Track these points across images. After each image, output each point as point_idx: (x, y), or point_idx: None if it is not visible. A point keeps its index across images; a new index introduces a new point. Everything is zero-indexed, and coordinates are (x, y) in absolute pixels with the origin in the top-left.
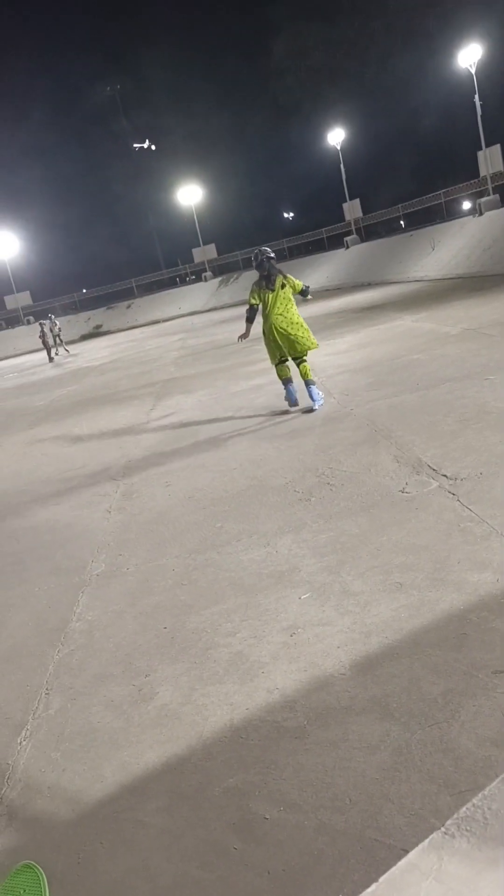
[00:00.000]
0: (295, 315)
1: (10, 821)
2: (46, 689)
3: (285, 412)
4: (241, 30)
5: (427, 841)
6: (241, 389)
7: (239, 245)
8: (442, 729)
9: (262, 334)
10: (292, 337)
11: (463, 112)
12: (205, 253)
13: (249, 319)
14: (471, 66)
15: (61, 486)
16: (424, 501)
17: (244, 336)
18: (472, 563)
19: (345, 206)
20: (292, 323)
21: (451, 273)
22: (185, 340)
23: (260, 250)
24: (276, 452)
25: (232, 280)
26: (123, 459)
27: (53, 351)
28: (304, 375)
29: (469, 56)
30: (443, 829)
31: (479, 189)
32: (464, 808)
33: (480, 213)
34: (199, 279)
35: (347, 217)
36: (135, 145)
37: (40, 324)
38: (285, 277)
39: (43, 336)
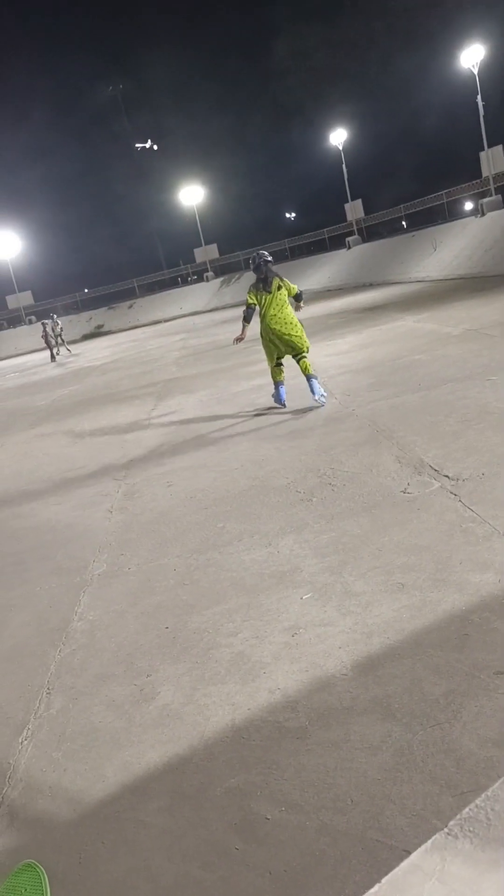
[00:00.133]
0: (290, 315)
1: (11, 820)
2: (48, 688)
3: (289, 412)
4: (243, 30)
5: (430, 842)
6: (242, 390)
7: (241, 245)
8: (444, 730)
9: (258, 336)
10: (286, 337)
11: (465, 112)
12: (206, 253)
13: (246, 319)
14: (473, 66)
15: (63, 486)
16: (426, 502)
17: (240, 338)
18: (473, 563)
19: (347, 206)
20: (287, 323)
21: (453, 274)
22: (187, 340)
23: (258, 253)
24: (277, 453)
25: (234, 280)
26: (125, 459)
27: (55, 350)
28: (304, 370)
29: (471, 56)
30: (446, 829)
31: (481, 190)
32: (466, 809)
33: (482, 214)
34: (200, 279)
35: (349, 217)
36: (137, 145)
37: (42, 323)
38: (281, 280)
39: (45, 336)
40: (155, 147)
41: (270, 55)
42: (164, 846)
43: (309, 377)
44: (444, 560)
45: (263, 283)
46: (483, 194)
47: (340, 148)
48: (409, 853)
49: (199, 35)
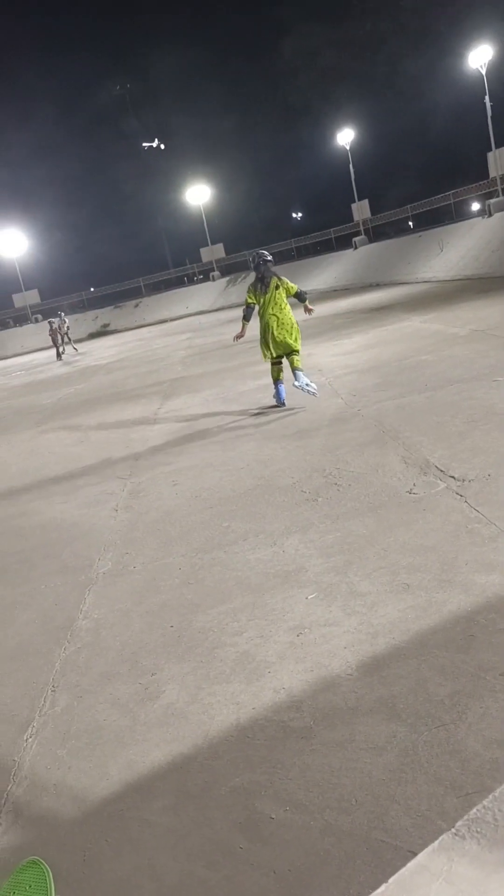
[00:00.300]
0: (287, 315)
1: (15, 817)
2: (53, 686)
3: (294, 412)
4: (251, 29)
5: (437, 842)
6: (248, 389)
7: (247, 245)
8: (449, 731)
9: (258, 334)
10: (279, 338)
11: (473, 113)
12: (213, 252)
13: (246, 318)
14: (481, 66)
15: (68, 485)
16: (432, 502)
17: (240, 335)
18: (479, 564)
19: (353, 206)
20: (283, 323)
21: (460, 274)
22: (193, 340)
23: (257, 253)
24: (283, 452)
25: (240, 280)
26: (130, 458)
27: (61, 349)
28: (292, 364)
29: (479, 57)
30: (453, 830)
31: (488, 190)
32: (474, 810)
33: (490, 215)
34: (206, 279)
35: (356, 217)
36: (144, 144)
37: (49, 322)
38: (280, 280)
39: (53, 333)
40: (162, 146)
41: (278, 54)
42: (169, 845)
43: (295, 370)
44: (450, 561)
45: (262, 283)
46: (490, 195)
47: (347, 148)
48: (413, 854)
49: (205, 34)
